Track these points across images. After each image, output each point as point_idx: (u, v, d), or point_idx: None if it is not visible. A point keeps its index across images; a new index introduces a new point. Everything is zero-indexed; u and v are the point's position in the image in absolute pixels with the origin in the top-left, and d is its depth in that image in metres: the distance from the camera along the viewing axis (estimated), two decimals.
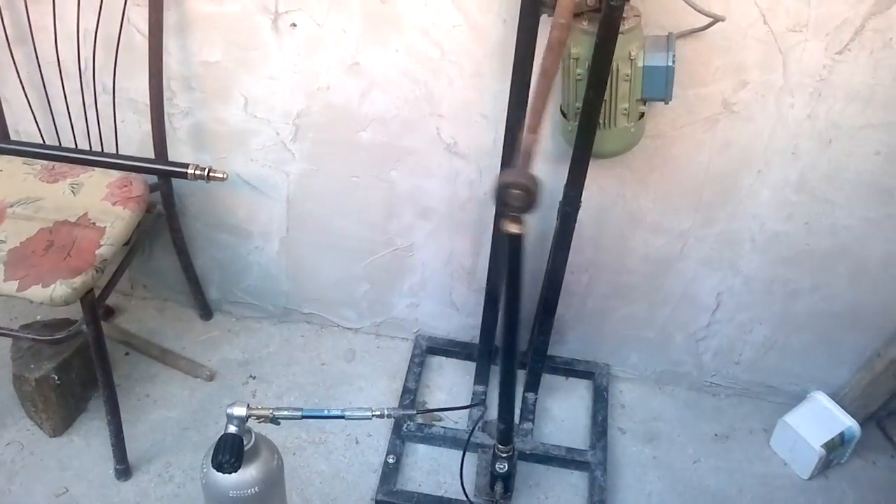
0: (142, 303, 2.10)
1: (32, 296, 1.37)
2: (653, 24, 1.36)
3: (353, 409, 1.23)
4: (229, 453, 1.13)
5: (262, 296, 2.05)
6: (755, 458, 1.86)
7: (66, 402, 1.73)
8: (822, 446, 1.75)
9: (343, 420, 1.27)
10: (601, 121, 1.37)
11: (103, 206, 1.56)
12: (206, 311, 2.06)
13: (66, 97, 1.64)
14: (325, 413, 1.24)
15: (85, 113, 1.65)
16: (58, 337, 1.49)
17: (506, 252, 1.09)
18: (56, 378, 1.66)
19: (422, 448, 1.81)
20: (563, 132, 1.49)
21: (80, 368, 1.76)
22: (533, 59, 1.33)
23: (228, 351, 2.00)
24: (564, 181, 1.50)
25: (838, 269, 1.69)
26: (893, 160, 1.50)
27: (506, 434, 1.52)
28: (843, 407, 1.82)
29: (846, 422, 1.78)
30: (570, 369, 1.98)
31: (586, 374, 1.99)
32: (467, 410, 1.87)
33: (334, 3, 1.48)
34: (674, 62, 1.31)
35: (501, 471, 1.56)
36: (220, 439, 1.16)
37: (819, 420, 1.80)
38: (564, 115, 1.45)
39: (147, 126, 1.68)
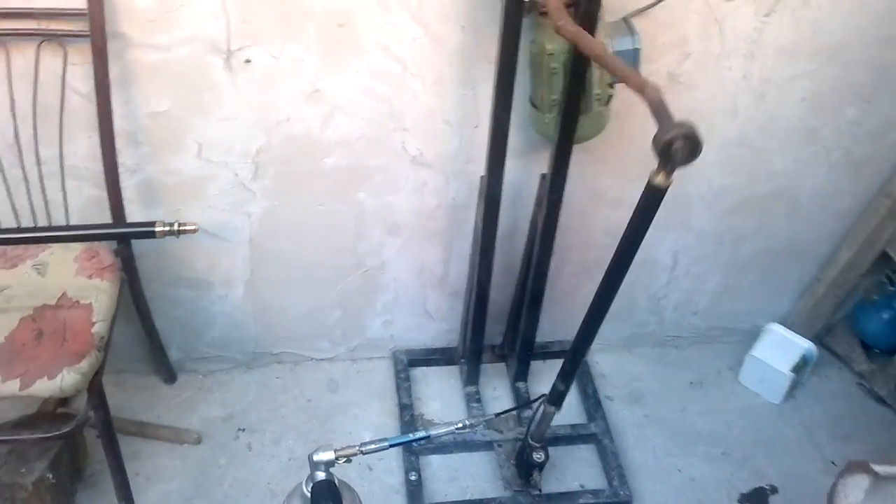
0: None
1: (40, 391, 1.26)
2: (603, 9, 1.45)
3: (436, 427, 1.22)
4: (331, 499, 1.10)
5: (229, 345, 1.96)
6: (730, 394, 2.01)
7: (59, 501, 1.59)
8: (790, 370, 1.92)
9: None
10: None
11: (79, 281, 1.45)
12: (169, 375, 1.94)
13: (4, 176, 1.51)
14: (411, 437, 1.22)
15: (28, 188, 1.52)
16: (65, 431, 1.36)
17: (641, 207, 1.08)
18: (51, 477, 1.52)
19: (434, 459, 1.81)
20: (536, 124, 1.54)
21: (68, 462, 1.62)
22: (517, 59, 1.37)
23: (207, 409, 1.90)
24: (535, 174, 1.57)
25: (777, 210, 1.87)
26: (816, 103, 1.68)
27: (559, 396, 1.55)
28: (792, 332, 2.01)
29: (804, 344, 1.97)
30: (547, 352, 2.04)
31: (563, 353, 2.05)
32: (463, 412, 1.90)
33: (290, 33, 1.45)
34: (640, 44, 1.40)
35: (539, 460, 1.59)
36: (316, 487, 1.12)
37: (781, 348, 1.97)
38: (535, 107, 1.50)
39: (89, 191, 1.58)
